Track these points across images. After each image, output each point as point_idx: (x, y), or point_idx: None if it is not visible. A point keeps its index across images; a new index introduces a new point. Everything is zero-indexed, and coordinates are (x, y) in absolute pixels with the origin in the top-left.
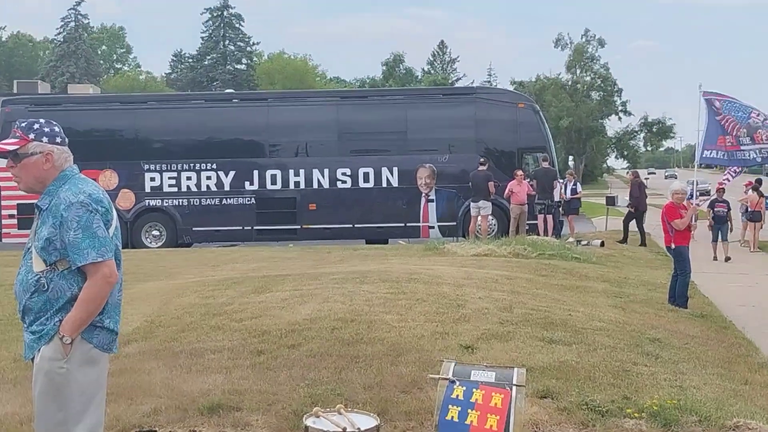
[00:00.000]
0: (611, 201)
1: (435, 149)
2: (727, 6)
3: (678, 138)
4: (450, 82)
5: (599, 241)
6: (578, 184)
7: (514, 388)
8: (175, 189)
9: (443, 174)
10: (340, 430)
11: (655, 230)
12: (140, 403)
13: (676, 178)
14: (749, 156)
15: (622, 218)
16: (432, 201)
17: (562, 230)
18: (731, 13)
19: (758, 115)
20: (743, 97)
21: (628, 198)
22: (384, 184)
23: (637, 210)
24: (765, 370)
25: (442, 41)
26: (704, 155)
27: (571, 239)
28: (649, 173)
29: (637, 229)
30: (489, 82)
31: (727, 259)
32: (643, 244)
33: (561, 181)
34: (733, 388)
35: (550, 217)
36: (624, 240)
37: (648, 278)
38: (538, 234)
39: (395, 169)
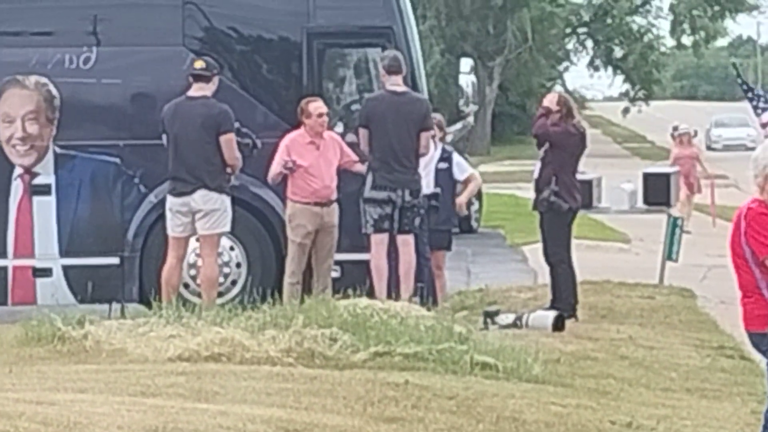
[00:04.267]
0: (587, 195)
1: (53, 31)
2: None
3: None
4: None
5: (551, 313)
6: (453, 154)
7: None
8: None
9: (81, 108)
10: None
11: (711, 280)
12: None
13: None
14: None
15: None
16: (44, 192)
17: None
18: None
19: None
20: None
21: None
22: None
23: (558, 204)
24: None
25: None
26: None
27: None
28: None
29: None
30: None
31: None
32: (562, 319)
33: (444, 131)
34: None
35: (407, 242)
36: (561, 306)
37: (692, 424)
38: (372, 293)
39: None
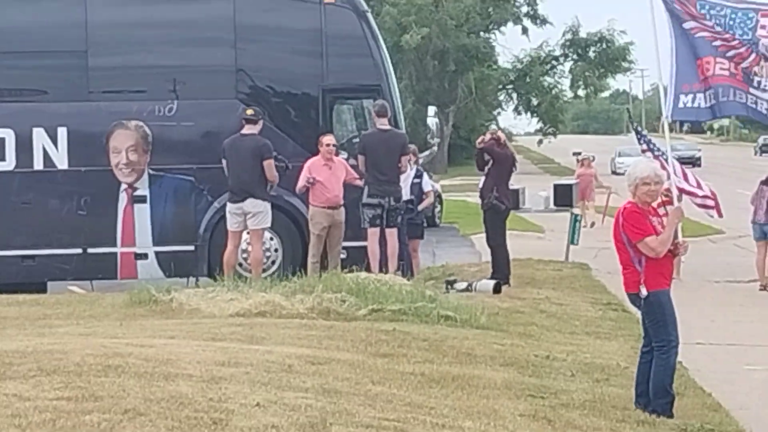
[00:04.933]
0: (515, 200)
1: (147, 90)
2: None
3: (638, 72)
4: None
5: (491, 281)
6: (424, 174)
7: None
8: None
9: (166, 143)
10: None
11: (600, 258)
12: None
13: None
14: (764, 108)
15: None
16: (142, 200)
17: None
18: None
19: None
20: None
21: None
22: (37, 165)
23: (497, 205)
24: None
25: None
26: (680, 104)
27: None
28: (576, 155)
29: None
30: None
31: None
32: (499, 285)
33: (417, 157)
34: None
35: (393, 234)
36: (499, 276)
37: (592, 357)
38: (369, 269)
39: (62, 133)
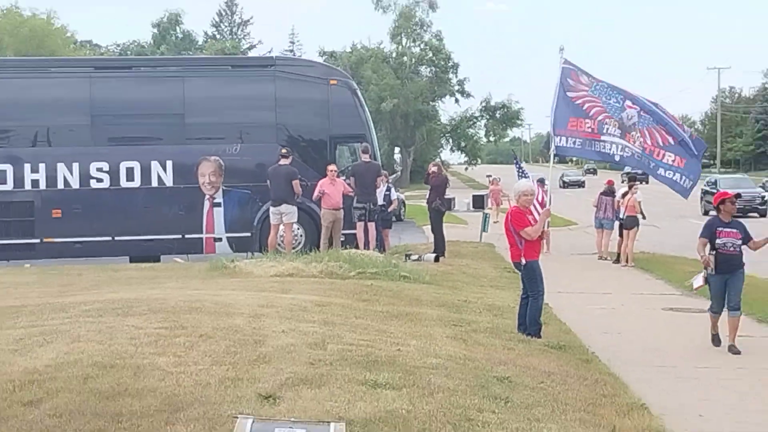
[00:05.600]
0: (450, 204)
1: (222, 137)
2: None
3: (526, 126)
4: (241, 50)
5: (433, 255)
6: (392, 188)
7: None
8: None
9: (233, 170)
10: None
11: (501, 240)
12: None
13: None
14: (608, 149)
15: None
16: (219, 205)
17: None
18: None
19: (633, 104)
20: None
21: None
22: (154, 184)
23: (440, 209)
24: (635, 412)
25: None
26: (558, 143)
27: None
28: (489, 176)
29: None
30: (291, 51)
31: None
32: (438, 257)
33: (387, 178)
34: None
35: (372, 225)
36: (438, 251)
37: (493, 301)
38: (357, 247)
39: (169, 164)
